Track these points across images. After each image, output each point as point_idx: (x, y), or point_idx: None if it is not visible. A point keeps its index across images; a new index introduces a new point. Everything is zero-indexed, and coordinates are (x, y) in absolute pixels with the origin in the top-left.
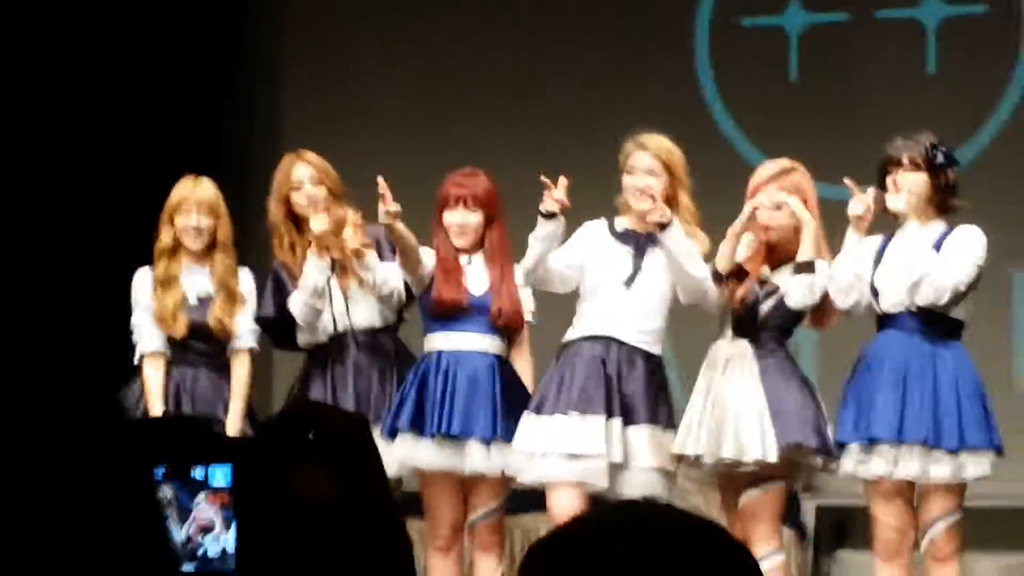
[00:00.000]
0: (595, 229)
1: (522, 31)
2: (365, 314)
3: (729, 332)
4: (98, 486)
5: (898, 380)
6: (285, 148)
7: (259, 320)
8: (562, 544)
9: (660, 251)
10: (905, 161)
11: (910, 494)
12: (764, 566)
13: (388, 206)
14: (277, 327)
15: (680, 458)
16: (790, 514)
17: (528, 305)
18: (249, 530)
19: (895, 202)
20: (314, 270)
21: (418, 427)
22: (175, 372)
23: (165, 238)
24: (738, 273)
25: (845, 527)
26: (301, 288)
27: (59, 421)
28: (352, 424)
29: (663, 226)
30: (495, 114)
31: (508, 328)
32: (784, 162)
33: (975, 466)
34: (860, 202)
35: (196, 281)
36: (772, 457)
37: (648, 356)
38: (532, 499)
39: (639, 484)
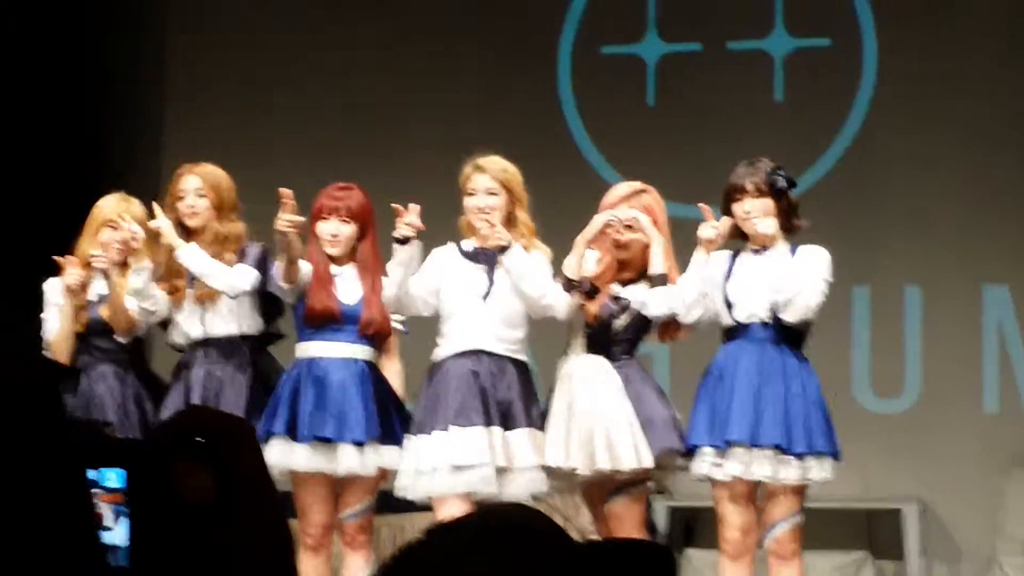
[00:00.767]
0: (445, 252)
1: (390, 53)
2: (221, 322)
3: (580, 347)
4: (39, 485)
5: (751, 387)
6: (168, 160)
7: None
8: (430, 547)
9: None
10: (750, 188)
11: (755, 496)
12: None
13: (288, 215)
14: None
15: (547, 469)
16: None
17: (398, 315)
18: (140, 528)
19: (766, 226)
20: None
21: (292, 431)
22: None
23: (89, 250)
24: (589, 292)
25: (693, 527)
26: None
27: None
28: (237, 428)
29: (503, 248)
30: (364, 130)
31: (378, 336)
32: (636, 184)
33: (819, 470)
34: (711, 227)
35: (98, 285)
36: (648, 464)
37: (516, 363)
38: (400, 499)
39: (524, 484)
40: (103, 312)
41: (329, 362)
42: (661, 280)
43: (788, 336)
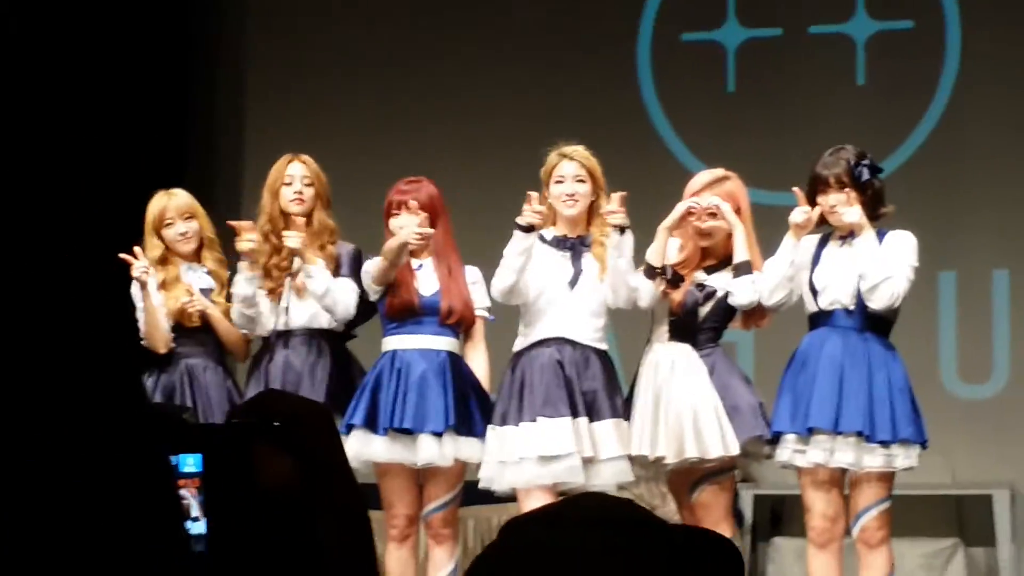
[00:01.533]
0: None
1: (469, 44)
2: (305, 315)
3: (665, 335)
4: (123, 475)
5: (835, 374)
6: (247, 155)
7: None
8: (525, 532)
9: (591, 254)
10: (832, 181)
11: (842, 483)
12: None
13: (422, 228)
14: None
15: (632, 458)
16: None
17: (483, 302)
18: (218, 514)
19: (851, 216)
20: (241, 281)
21: (371, 423)
22: (182, 362)
23: (154, 251)
24: (672, 280)
25: (780, 515)
26: (233, 297)
27: (84, 411)
28: (315, 412)
29: (623, 229)
30: (443, 121)
31: (460, 325)
32: (719, 171)
33: (905, 458)
34: (802, 212)
35: (194, 279)
36: (734, 452)
37: (599, 352)
38: (486, 491)
39: (610, 474)
40: (193, 306)
41: (411, 354)
42: (745, 268)
43: (873, 323)
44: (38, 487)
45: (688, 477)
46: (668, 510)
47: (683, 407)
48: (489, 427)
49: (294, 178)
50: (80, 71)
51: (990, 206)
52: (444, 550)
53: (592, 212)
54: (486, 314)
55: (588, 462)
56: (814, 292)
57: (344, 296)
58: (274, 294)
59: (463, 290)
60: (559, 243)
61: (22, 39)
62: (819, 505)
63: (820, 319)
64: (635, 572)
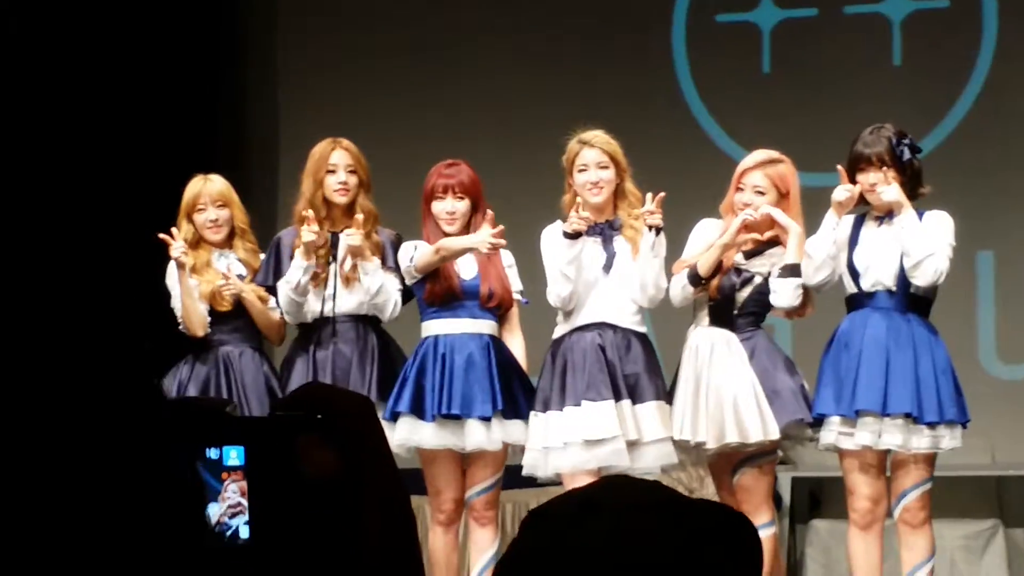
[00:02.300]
0: (559, 230)
1: (502, 29)
2: (352, 302)
3: (705, 319)
4: (148, 467)
5: (880, 355)
6: (281, 143)
7: (261, 286)
8: (556, 515)
9: (623, 236)
10: (874, 159)
11: (884, 465)
12: None
13: (496, 238)
14: (273, 294)
15: (674, 441)
16: None
17: (516, 285)
18: (261, 506)
19: (891, 195)
20: (298, 270)
21: (418, 410)
22: (217, 349)
23: (185, 235)
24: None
25: (818, 498)
26: (287, 281)
27: (104, 406)
28: (358, 404)
29: (659, 230)
30: (478, 105)
31: (498, 308)
32: (772, 153)
33: (950, 439)
34: (844, 190)
35: (224, 266)
36: (774, 436)
37: (639, 335)
38: (526, 476)
39: (654, 457)
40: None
41: (453, 339)
42: (793, 271)
43: (915, 304)
44: (48, 483)
45: (729, 460)
46: (707, 493)
47: (723, 392)
48: (531, 414)
49: (338, 167)
50: (114, 61)
51: None
52: (487, 532)
53: (618, 195)
54: (520, 297)
55: (632, 445)
56: (854, 273)
57: (395, 296)
58: (317, 280)
59: (501, 273)
60: (589, 229)
61: (61, 29)
62: (863, 487)
63: (860, 300)
64: (649, 555)
